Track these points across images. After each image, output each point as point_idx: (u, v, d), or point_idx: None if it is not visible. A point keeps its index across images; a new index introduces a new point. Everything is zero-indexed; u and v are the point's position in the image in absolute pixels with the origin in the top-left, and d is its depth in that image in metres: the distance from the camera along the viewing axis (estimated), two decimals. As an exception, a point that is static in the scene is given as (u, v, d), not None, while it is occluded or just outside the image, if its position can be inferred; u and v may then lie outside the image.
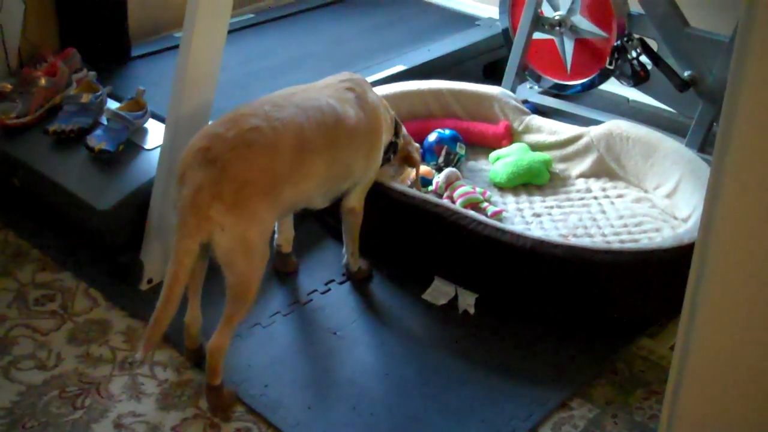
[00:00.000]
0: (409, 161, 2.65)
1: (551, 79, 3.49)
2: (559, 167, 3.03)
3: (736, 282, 1.09)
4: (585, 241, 2.59)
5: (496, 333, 2.42)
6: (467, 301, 2.50)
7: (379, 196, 2.55)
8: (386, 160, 2.56)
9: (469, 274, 2.52)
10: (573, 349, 2.35)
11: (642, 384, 2.25)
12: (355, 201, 2.47)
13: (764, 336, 1.13)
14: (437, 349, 2.37)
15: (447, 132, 3.04)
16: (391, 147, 2.56)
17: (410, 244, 2.63)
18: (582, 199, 2.88)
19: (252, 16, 3.94)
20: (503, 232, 2.41)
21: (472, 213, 2.51)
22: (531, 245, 2.36)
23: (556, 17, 3.32)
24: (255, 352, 2.35)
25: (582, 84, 3.40)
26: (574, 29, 3.31)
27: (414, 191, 2.61)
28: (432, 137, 3.03)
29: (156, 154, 2.62)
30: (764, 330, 1.12)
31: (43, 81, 2.89)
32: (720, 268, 1.08)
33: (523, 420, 2.13)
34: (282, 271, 2.65)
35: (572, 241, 2.53)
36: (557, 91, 3.51)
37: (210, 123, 2.22)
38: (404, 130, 2.63)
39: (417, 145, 2.69)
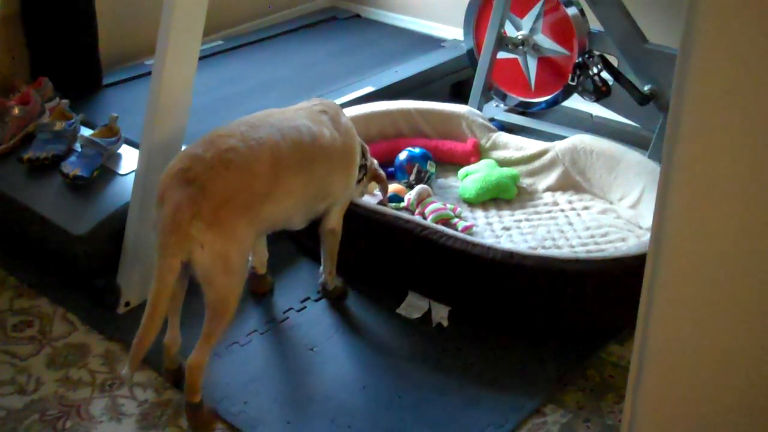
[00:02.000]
0: (377, 179, 2.73)
1: (516, 97, 3.58)
2: (526, 182, 3.10)
3: (687, 285, 1.14)
4: (553, 252, 2.66)
5: (470, 344, 2.48)
6: (440, 313, 2.55)
7: (353, 214, 2.61)
8: (358, 182, 2.62)
9: (441, 287, 2.58)
10: (544, 356, 2.42)
11: (612, 389, 2.31)
12: (335, 221, 2.53)
13: (716, 337, 1.17)
14: (413, 362, 2.42)
15: (417, 150, 3.10)
16: (362, 169, 2.62)
17: (384, 260, 2.68)
18: (549, 212, 2.96)
19: (221, 42, 4.00)
20: (473, 245, 2.47)
21: (442, 228, 2.57)
22: (501, 257, 2.42)
23: (519, 37, 3.41)
24: (233, 370, 2.39)
25: (546, 101, 3.49)
26: (536, 48, 3.40)
27: (385, 209, 2.67)
28: (403, 156, 3.09)
29: (130, 179, 2.65)
30: (715, 331, 1.17)
31: (16, 110, 2.93)
32: (671, 272, 1.13)
33: (498, 427, 2.19)
34: (258, 292, 2.69)
35: (540, 251, 2.59)
36: (523, 109, 3.60)
37: (187, 145, 2.26)
38: (367, 151, 2.70)
39: (376, 162, 2.76)
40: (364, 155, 2.63)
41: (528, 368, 2.38)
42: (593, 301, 2.43)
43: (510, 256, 2.42)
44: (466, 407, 2.25)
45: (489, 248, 2.45)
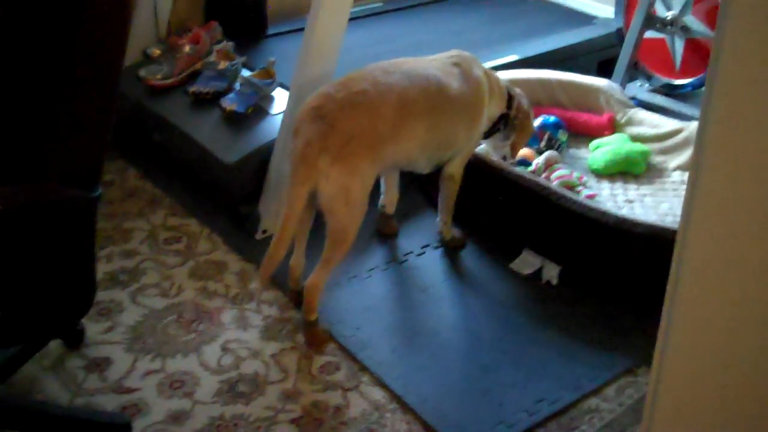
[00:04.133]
0: (521, 128, 2.79)
1: (661, 78, 3.59)
2: (657, 159, 3.13)
3: (714, 276, 1.13)
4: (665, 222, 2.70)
5: (575, 304, 2.58)
6: (551, 272, 2.66)
7: (477, 168, 2.75)
8: (496, 130, 2.76)
9: (555, 247, 2.69)
10: (646, 325, 2.48)
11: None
12: (455, 168, 2.68)
13: (746, 332, 1.15)
14: (517, 313, 2.55)
15: (551, 118, 3.19)
16: (502, 119, 2.75)
17: (504, 215, 2.81)
18: (676, 190, 2.98)
19: (380, 4, 4.19)
20: (590, 209, 2.56)
21: (561, 190, 2.67)
22: (614, 222, 2.50)
23: (668, 16, 3.42)
24: (351, 299, 2.59)
25: (691, 83, 3.49)
26: (685, 29, 3.40)
27: (510, 167, 2.78)
28: (536, 122, 3.19)
29: (280, 119, 2.90)
30: (746, 325, 1.14)
31: (187, 48, 3.23)
32: (698, 263, 1.12)
33: (590, 380, 2.29)
34: (383, 232, 2.88)
35: (654, 220, 2.64)
36: (667, 90, 3.60)
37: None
38: (525, 101, 2.79)
39: (535, 119, 2.82)
40: (509, 105, 2.74)
41: (628, 334, 2.46)
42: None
43: (622, 222, 2.49)
44: (561, 358, 2.37)
45: (604, 213, 2.53)
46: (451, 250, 2.83)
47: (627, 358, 2.37)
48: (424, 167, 2.59)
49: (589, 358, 2.37)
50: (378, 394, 2.26)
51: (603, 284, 2.63)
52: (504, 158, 2.86)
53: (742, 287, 1.12)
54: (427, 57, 2.63)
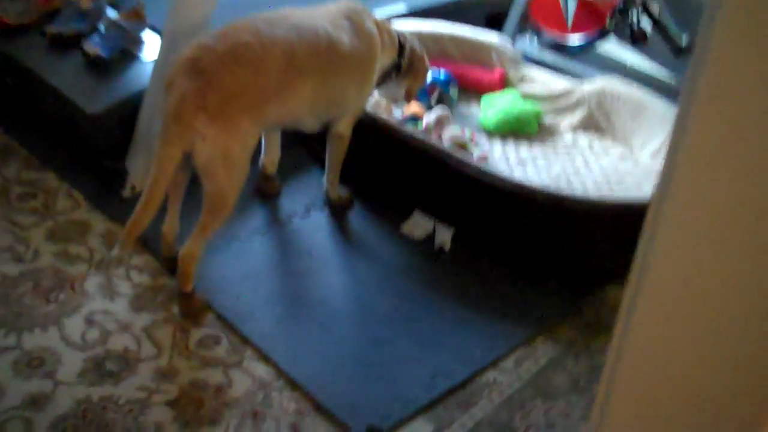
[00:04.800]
0: (416, 72, 2.62)
1: (551, 34, 3.49)
2: (548, 119, 3.05)
3: (687, 245, 1.03)
4: (565, 190, 2.62)
5: (469, 270, 2.46)
6: (444, 237, 2.53)
7: (367, 126, 2.57)
8: (388, 78, 2.58)
9: (448, 210, 2.56)
10: (542, 291, 2.40)
11: (606, 329, 2.29)
12: (344, 127, 2.49)
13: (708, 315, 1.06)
14: (410, 280, 2.41)
15: (441, 74, 3.05)
16: (394, 68, 2.57)
17: (394, 175, 2.66)
18: (568, 152, 2.91)
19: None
20: (485, 173, 2.43)
21: (456, 152, 2.54)
22: (511, 188, 2.39)
23: (562, -29, 3.32)
24: (231, 265, 2.39)
25: (581, 42, 3.41)
26: (578, -15, 3.31)
27: (401, 125, 2.62)
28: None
29: (151, 66, 2.62)
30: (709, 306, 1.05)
31: (43, -17, 2.89)
32: (672, 229, 1.02)
33: (486, 351, 2.18)
34: (265, 192, 2.68)
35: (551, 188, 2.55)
36: (556, 48, 3.51)
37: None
38: (417, 45, 2.61)
39: (427, 63, 2.66)
40: (401, 52, 2.56)
41: (524, 301, 2.37)
42: (599, 243, 2.40)
43: (521, 188, 2.38)
44: (457, 328, 2.25)
45: (501, 178, 2.41)
46: (338, 211, 2.65)
47: (523, 328, 2.27)
48: (311, 127, 2.40)
49: (485, 327, 2.27)
50: (263, 370, 2.08)
51: (497, 250, 2.53)
52: (396, 101, 2.70)
53: (707, 289, 1.01)
54: (317, 8, 2.41)
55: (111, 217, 2.51)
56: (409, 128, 2.65)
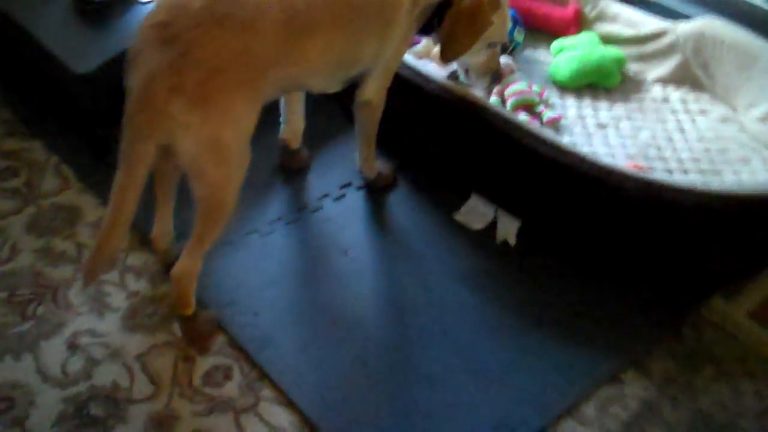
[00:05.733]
0: (468, 23, 1.97)
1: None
2: (633, 68, 2.55)
3: None
4: (659, 171, 2.14)
5: (539, 272, 2.02)
6: (508, 228, 2.09)
7: (408, 86, 2.08)
8: (429, 29, 2.02)
9: (515, 196, 2.11)
10: (631, 305, 1.95)
11: (711, 360, 1.84)
12: (372, 92, 1.97)
13: None
14: (465, 289, 1.97)
15: (504, 11, 2.53)
16: (437, 12, 1.99)
17: (445, 150, 2.19)
18: (657, 111, 2.40)
19: None
20: (563, 152, 1.94)
21: (525, 122, 2.05)
22: (596, 173, 1.90)
23: None
24: (248, 268, 1.97)
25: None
26: None
27: (455, 85, 2.12)
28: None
29: (151, 10, 2.15)
30: None
31: None
32: None
33: (562, 392, 1.74)
34: (290, 167, 2.22)
35: (647, 173, 2.06)
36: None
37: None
38: None
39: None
40: None
41: (608, 317, 1.92)
42: (704, 243, 1.92)
43: (608, 174, 1.89)
44: (525, 361, 1.81)
45: (583, 159, 1.92)
46: (378, 191, 2.19)
47: (610, 358, 1.82)
48: (327, 88, 1.89)
49: (559, 355, 1.83)
50: (283, 418, 1.69)
51: (574, 249, 2.07)
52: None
53: None
54: None
55: (105, 202, 2.07)
56: (463, 88, 2.14)
